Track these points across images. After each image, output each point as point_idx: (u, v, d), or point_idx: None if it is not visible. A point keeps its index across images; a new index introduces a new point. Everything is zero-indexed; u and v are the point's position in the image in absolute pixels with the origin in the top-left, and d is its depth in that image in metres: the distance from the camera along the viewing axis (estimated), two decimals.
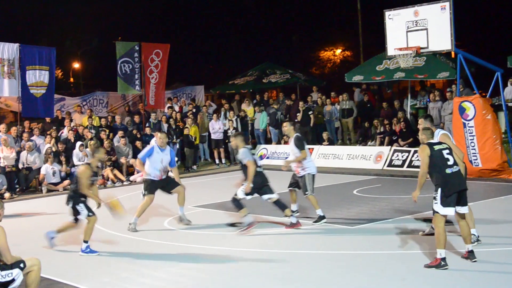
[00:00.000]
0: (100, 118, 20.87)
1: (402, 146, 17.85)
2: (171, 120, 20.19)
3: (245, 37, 40.35)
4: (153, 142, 11.81)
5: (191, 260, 8.46)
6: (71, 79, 46.28)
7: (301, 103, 21.17)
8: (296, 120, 20.97)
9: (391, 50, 14.42)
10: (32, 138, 17.85)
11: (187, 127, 19.75)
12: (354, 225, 10.04)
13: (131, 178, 17.72)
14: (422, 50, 13.81)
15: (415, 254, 8.06)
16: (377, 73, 20.27)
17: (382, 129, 19.28)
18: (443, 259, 7.16)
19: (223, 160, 20.40)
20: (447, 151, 7.39)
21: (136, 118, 20.53)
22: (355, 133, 21.19)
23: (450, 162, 7.32)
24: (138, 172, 17.76)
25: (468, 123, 13.79)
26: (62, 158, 17.18)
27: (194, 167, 19.77)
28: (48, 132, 18.27)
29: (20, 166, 16.67)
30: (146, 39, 26.15)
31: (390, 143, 18.37)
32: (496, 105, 17.20)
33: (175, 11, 39.39)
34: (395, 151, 17.23)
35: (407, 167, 16.52)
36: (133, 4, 39.07)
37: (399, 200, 12.22)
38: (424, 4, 13.58)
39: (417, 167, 16.09)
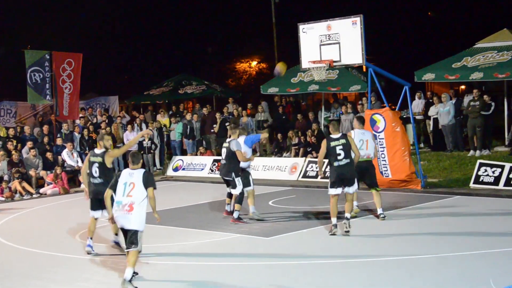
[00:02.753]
0: (7, 128, 19.87)
1: (316, 157, 18.15)
2: (84, 130, 19.51)
3: (161, 47, 39.85)
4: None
5: None
6: None
7: (218, 115, 21.12)
8: (212, 131, 20.89)
9: (305, 63, 14.64)
10: None
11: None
12: (270, 236, 10.07)
13: (41, 190, 16.93)
14: (334, 64, 14.11)
15: (331, 261, 8.16)
16: (292, 85, 20.57)
17: (297, 141, 19.55)
18: (334, 225, 9.87)
19: None
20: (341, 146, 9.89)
21: (45, 129, 19.67)
22: (270, 145, 21.37)
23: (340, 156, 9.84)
24: (48, 185, 17.00)
25: (378, 135, 14.22)
26: None
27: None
28: None
29: None
30: (57, 47, 25.22)
31: (305, 154, 18.64)
32: (405, 117, 17.90)
33: (87, 19, 38.30)
34: (309, 162, 17.49)
35: (321, 178, 16.78)
36: (43, 11, 37.62)
37: (313, 210, 12.39)
38: (336, 18, 13.89)
39: (327, 177, 16.39)
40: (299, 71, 19.23)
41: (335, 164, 9.90)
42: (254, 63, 41.12)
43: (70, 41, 33.08)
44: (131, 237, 7.58)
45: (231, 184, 11.43)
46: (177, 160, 20.59)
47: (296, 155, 19.13)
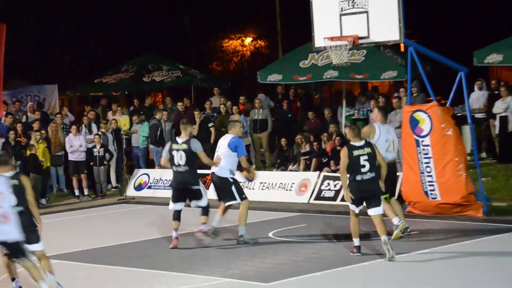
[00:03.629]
0: None
1: (335, 172, 18.17)
2: (10, 133, 19.48)
3: (118, 17, 39.88)
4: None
5: None
6: None
7: (197, 112, 21.16)
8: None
9: (319, 40, 14.69)
10: None
11: (32, 144, 19.18)
12: (269, 282, 10.09)
13: None
14: (361, 41, 14.18)
15: None
16: (301, 71, 20.61)
17: (307, 148, 19.59)
18: (357, 247, 11.27)
19: (86, 191, 19.97)
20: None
21: None
22: (271, 153, 21.39)
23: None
24: None
25: (422, 141, 14.26)
26: None
27: (44, 200, 19.21)
28: None
29: None
30: None
31: (319, 168, 18.68)
32: (459, 116, 17.97)
33: None
34: (325, 178, 17.50)
35: (341, 200, 16.85)
36: None
37: (331, 245, 12.39)
38: None
39: None
40: (310, 51, 19.25)
41: (358, 178, 10.98)
42: (248, 40, 41.15)
43: None
44: (16, 250, 9.32)
45: (195, 195, 12.76)
46: (140, 175, 20.60)
47: (307, 168, 19.16)
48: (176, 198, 12.83)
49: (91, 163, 19.96)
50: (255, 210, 15.94)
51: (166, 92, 30.50)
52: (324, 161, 18.85)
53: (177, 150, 12.62)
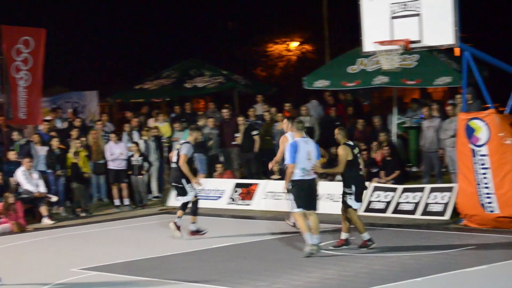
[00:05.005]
0: None
1: (385, 182, 18.04)
2: (53, 141, 19.68)
3: (160, 22, 40.22)
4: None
5: None
6: None
7: (241, 119, 21.19)
8: (234, 143, 20.97)
9: (369, 45, 14.65)
10: None
11: (76, 152, 19.34)
12: None
13: None
14: (412, 45, 14.09)
15: None
16: (350, 76, 20.54)
17: None
18: (368, 239, 12.95)
19: (126, 201, 20.11)
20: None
21: None
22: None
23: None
24: None
25: (479, 150, 14.09)
26: None
27: (83, 213, 19.35)
28: None
29: None
30: (9, 20, 25.68)
31: (368, 178, 18.57)
32: None
33: None
34: (375, 189, 17.39)
35: (393, 212, 16.69)
36: None
37: (381, 259, 12.31)
38: None
39: (406, 212, 16.36)
40: (359, 56, 19.18)
41: (361, 173, 13.05)
42: (294, 45, 41.18)
43: (28, 11, 33.67)
44: None
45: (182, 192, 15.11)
46: None
47: None
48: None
49: (130, 173, 20.08)
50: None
51: (208, 98, 30.59)
52: (373, 171, 18.73)
53: (177, 149, 15.28)
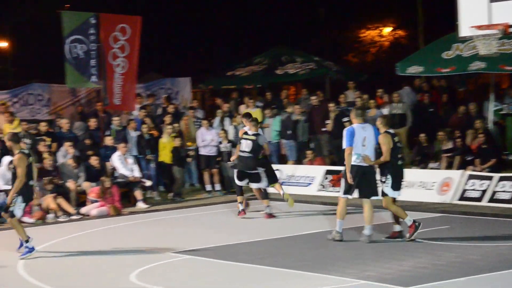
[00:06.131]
0: (36, 122, 20.80)
1: (480, 171, 17.76)
2: (143, 127, 20.16)
3: (251, 9, 40.43)
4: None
5: None
6: None
7: (332, 105, 21.16)
8: (324, 129, 20.94)
9: (465, 29, 14.42)
10: None
11: (176, 137, 19.72)
12: (408, 286, 9.99)
13: (83, 210, 17.71)
14: None
15: None
16: (445, 62, 20.29)
17: (450, 145, 19.28)
18: (400, 231, 12.91)
19: (217, 186, 20.36)
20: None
21: (92, 123, 20.52)
22: (410, 150, 21.16)
23: None
24: (92, 202, 17.75)
25: None
26: None
27: (177, 198, 19.73)
28: None
29: None
30: (107, 8, 26.25)
31: (463, 166, 18.31)
32: None
33: None
34: (470, 177, 17.15)
35: (488, 201, 16.41)
36: None
37: (476, 249, 12.15)
38: None
39: (502, 201, 16.05)
40: (455, 41, 18.92)
41: (400, 162, 12.90)
42: (387, 30, 40.79)
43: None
44: None
45: (254, 178, 16.05)
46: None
47: (449, 166, 18.84)
48: (240, 178, 16.13)
49: (220, 159, 20.30)
50: None
51: (299, 84, 30.64)
52: (468, 159, 18.46)
53: (246, 139, 15.85)
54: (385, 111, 21.48)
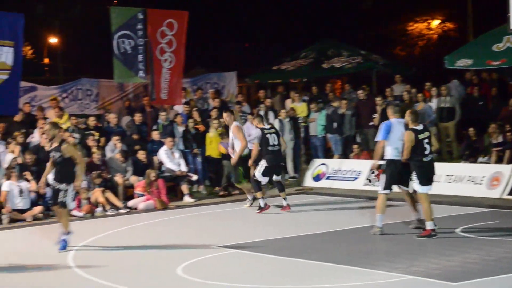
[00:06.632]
0: (85, 116, 21.06)
1: None
2: (189, 121, 20.26)
3: (297, 3, 40.36)
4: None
5: None
6: (46, 60, 47.06)
7: (379, 99, 21.03)
8: (371, 124, 20.80)
9: None
10: None
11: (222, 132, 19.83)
12: (457, 281, 9.91)
13: (130, 203, 17.89)
14: None
15: None
16: (495, 55, 20.05)
17: (500, 139, 19.06)
18: (433, 230, 12.52)
19: None
20: None
21: (137, 118, 20.69)
22: (458, 144, 20.93)
23: None
24: (139, 196, 17.91)
25: None
26: (30, 174, 17.44)
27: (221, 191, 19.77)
28: (12, 137, 18.58)
29: None
30: (154, 3, 26.44)
31: None
32: None
33: None
34: None
35: None
36: None
37: None
38: None
39: None
40: (505, 33, 18.67)
41: (426, 159, 12.72)
42: (435, 23, 40.41)
43: None
44: None
45: (281, 171, 16.94)
46: (319, 165, 20.76)
47: (499, 160, 18.62)
48: (268, 173, 16.30)
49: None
50: (441, 204, 15.75)
51: (345, 79, 30.51)
52: None
53: (270, 133, 16.33)
54: (433, 104, 21.32)
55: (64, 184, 12.88)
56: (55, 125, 13.34)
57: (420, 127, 12.76)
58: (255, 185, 16.38)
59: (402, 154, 12.77)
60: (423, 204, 12.79)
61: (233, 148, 16.87)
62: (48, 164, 13.23)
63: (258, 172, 16.25)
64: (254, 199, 16.85)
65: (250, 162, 16.63)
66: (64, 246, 12.91)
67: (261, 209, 16.23)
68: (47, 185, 14.80)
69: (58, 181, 12.96)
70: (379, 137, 13.14)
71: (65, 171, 12.92)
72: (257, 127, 16.76)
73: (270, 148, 16.25)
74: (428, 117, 20.90)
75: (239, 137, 16.65)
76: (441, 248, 11.92)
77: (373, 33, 39.50)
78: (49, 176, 13.58)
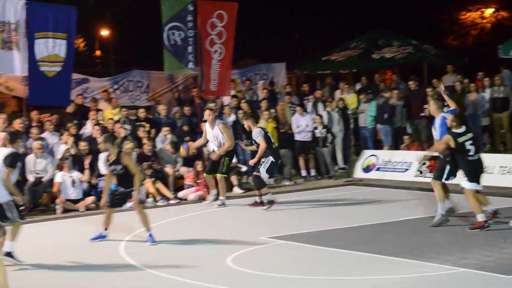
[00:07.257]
0: (136, 108, 21.25)
1: None
2: (239, 113, 20.31)
3: None
4: None
5: None
6: (98, 52, 47.60)
7: (430, 90, 20.82)
8: (422, 115, 20.61)
9: None
10: (42, 135, 18.47)
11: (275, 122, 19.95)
12: (511, 274, 9.80)
13: (180, 194, 18.02)
14: None
15: None
16: None
17: None
18: (485, 221, 12.55)
19: (312, 172, 20.37)
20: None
21: (187, 110, 20.81)
22: None
23: None
24: (189, 187, 18.04)
25: None
26: (85, 164, 17.73)
27: (271, 180, 19.70)
28: (65, 128, 18.85)
29: (31, 177, 17.19)
30: None
31: None
32: None
33: None
34: None
35: None
36: None
37: None
38: None
39: None
40: None
41: (472, 158, 12.73)
42: (489, 12, 39.85)
43: None
44: None
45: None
46: (369, 157, 20.69)
47: None
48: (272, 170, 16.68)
49: (314, 144, 20.25)
50: (494, 196, 15.50)
51: (396, 69, 30.26)
52: None
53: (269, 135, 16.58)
54: (487, 95, 21.05)
55: (131, 188, 12.99)
56: (107, 138, 13.23)
57: (461, 129, 12.75)
58: (258, 181, 16.22)
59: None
60: (470, 200, 12.72)
61: (220, 146, 16.68)
62: (106, 178, 13.32)
63: (263, 168, 16.15)
64: (217, 196, 16.82)
65: (253, 161, 16.63)
66: (152, 240, 12.94)
67: (270, 203, 16.07)
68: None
69: (124, 188, 13.09)
70: (442, 133, 13.25)
71: (131, 178, 12.95)
72: (254, 128, 16.66)
73: (273, 146, 16.53)
74: (482, 108, 20.68)
75: (226, 136, 16.51)
76: (494, 241, 11.76)
77: (425, 23, 39.11)
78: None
